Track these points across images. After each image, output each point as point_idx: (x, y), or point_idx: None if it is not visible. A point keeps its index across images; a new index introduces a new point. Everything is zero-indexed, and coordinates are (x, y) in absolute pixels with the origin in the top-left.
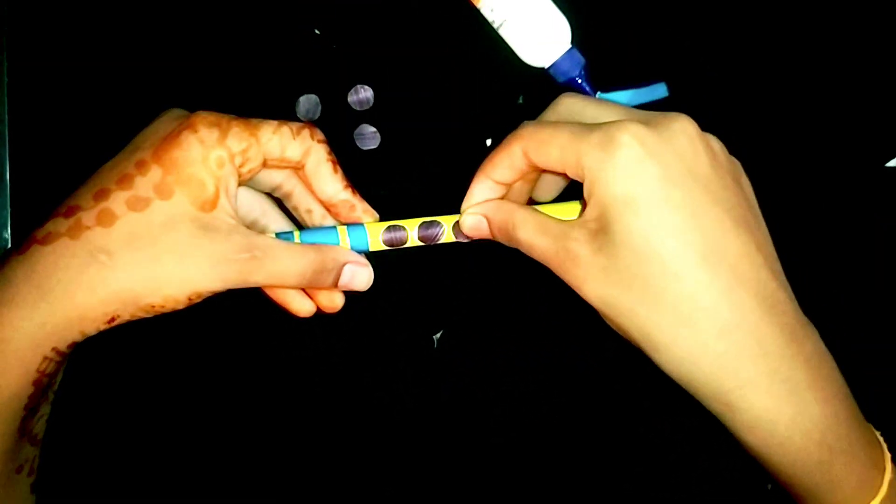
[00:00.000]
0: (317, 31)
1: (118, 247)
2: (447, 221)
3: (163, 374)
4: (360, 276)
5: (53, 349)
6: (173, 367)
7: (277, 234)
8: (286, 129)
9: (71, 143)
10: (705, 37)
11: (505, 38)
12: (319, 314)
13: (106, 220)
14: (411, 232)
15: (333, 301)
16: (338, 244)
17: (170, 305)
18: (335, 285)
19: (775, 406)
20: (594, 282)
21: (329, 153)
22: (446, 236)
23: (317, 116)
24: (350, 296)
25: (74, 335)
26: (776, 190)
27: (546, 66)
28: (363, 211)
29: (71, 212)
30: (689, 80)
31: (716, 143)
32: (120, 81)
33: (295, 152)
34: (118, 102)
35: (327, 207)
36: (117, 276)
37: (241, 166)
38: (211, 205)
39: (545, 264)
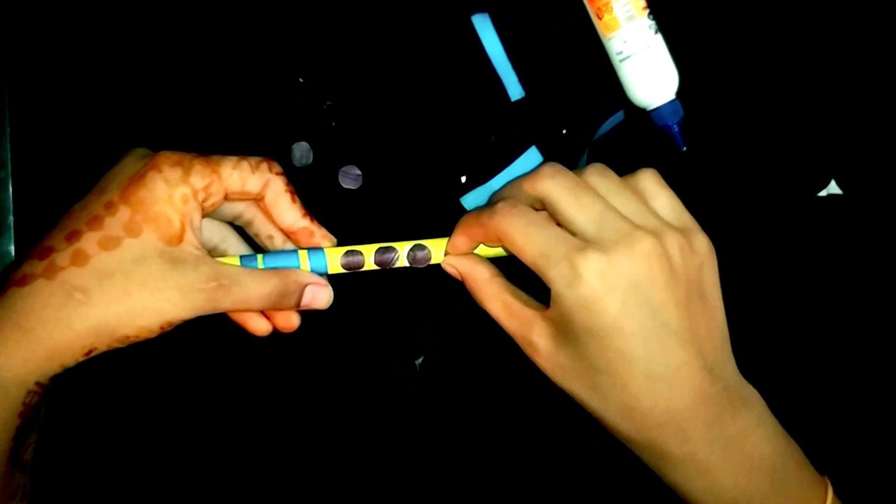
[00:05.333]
0: (300, 80)
1: (92, 284)
2: (401, 247)
3: (146, 391)
4: (321, 297)
5: (36, 383)
6: (157, 386)
7: (242, 258)
8: (245, 164)
9: (72, 163)
10: None
11: (624, 73)
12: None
13: (79, 259)
14: (368, 257)
15: (290, 321)
16: (299, 267)
17: (143, 335)
18: (297, 306)
19: (688, 481)
20: (552, 370)
21: (287, 184)
22: (400, 261)
23: (310, 161)
24: (337, 321)
25: (55, 368)
26: (719, 216)
27: (650, 107)
28: (322, 236)
29: (45, 253)
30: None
31: (674, 248)
32: (122, 131)
33: (254, 185)
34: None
35: (287, 234)
36: (93, 311)
37: (203, 201)
38: (178, 239)
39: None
